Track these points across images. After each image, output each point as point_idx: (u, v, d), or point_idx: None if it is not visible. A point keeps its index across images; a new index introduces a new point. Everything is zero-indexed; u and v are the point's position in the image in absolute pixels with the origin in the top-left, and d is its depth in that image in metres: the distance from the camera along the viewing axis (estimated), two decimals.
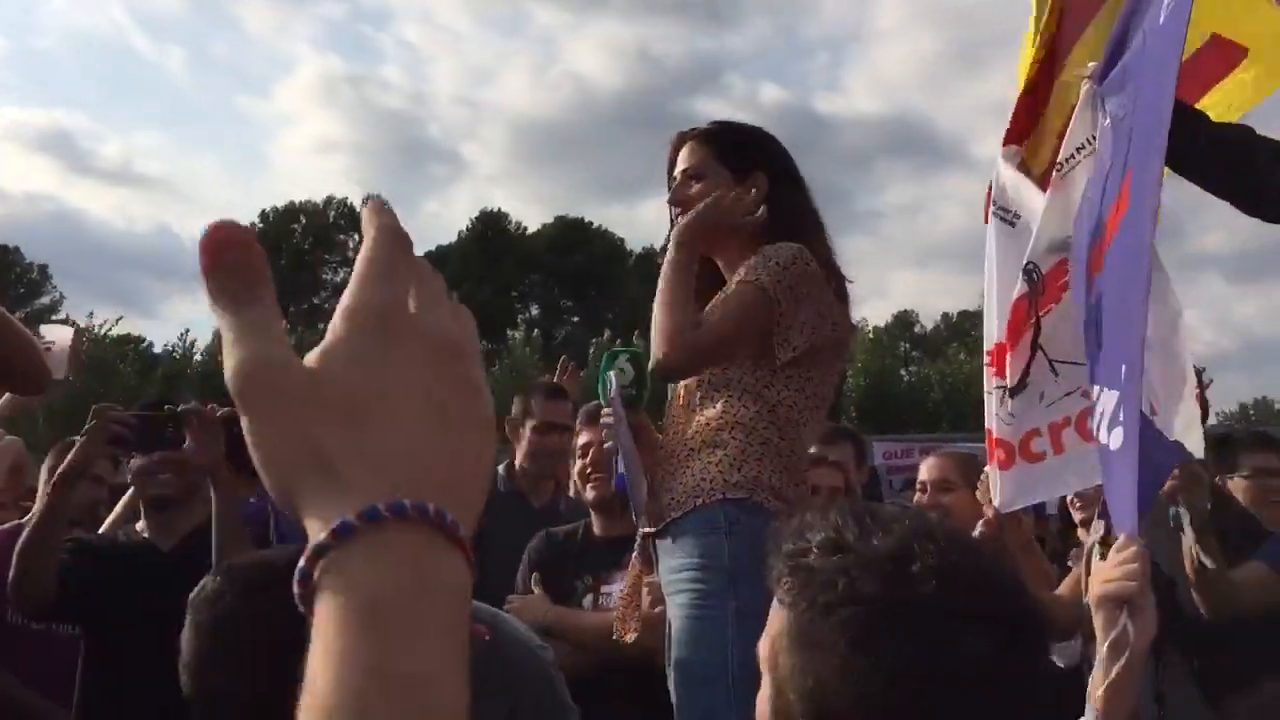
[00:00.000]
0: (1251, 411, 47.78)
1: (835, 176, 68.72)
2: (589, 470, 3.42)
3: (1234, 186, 2.48)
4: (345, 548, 0.51)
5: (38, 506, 3.12)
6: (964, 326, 39.10)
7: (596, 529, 3.43)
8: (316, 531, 0.52)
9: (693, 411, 2.48)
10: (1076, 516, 3.76)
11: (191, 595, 1.52)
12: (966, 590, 1.03)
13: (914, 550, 1.04)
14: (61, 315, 34.20)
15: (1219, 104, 2.84)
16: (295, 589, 0.52)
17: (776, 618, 1.11)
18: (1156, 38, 2.13)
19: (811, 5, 71.54)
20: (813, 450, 4.10)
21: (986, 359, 2.87)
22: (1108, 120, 2.33)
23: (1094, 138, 2.42)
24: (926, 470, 3.82)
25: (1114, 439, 1.96)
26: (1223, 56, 3.02)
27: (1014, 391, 2.68)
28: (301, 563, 0.52)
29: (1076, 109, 2.52)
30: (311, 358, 0.55)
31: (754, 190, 2.53)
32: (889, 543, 1.05)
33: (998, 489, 2.77)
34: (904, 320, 48.57)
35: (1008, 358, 2.69)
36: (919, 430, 24.32)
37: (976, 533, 3.04)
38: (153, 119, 76.86)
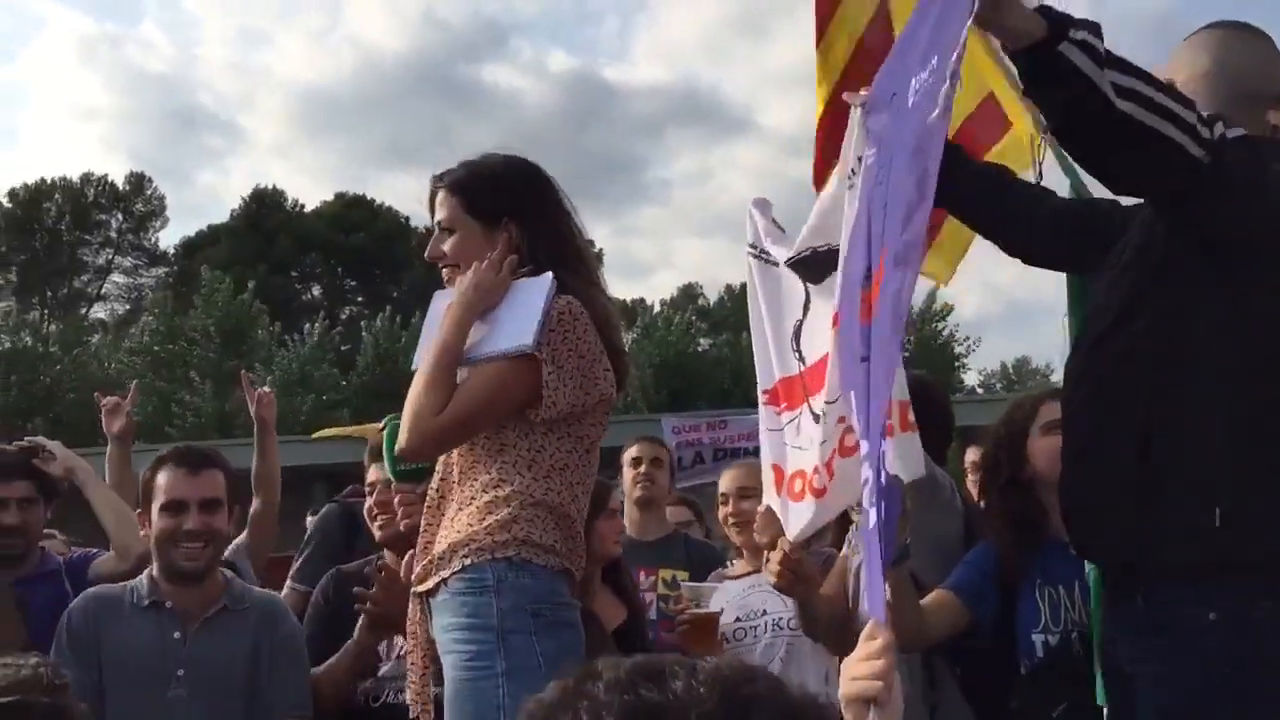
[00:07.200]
0: (1012, 371, 50.91)
1: (627, 145, 68.90)
2: (374, 510, 3.29)
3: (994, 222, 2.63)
4: None
5: None
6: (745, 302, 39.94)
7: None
8: None
9: (466, 472, 2.44)
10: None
11: None
12: None
13: None
14: None
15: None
16: None
17: None
18: (918, 110, 1.93)
19: None
20: None
21: (763, 397, 2.75)
22: (870, 158, 2.13)
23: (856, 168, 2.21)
24: (726, 481, 3.76)
25: (867, 518, 1.79)
26: (995, 119, 3.14)
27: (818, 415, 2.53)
28: None
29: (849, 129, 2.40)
30: None
31: (501, 249, 2.48)
32: None
33: (788, 521, 2.65)
34: (689, 293, 49.36)
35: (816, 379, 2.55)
36: (708, 405, 24.60)
37: (774, 572, 2.89)
38: None
